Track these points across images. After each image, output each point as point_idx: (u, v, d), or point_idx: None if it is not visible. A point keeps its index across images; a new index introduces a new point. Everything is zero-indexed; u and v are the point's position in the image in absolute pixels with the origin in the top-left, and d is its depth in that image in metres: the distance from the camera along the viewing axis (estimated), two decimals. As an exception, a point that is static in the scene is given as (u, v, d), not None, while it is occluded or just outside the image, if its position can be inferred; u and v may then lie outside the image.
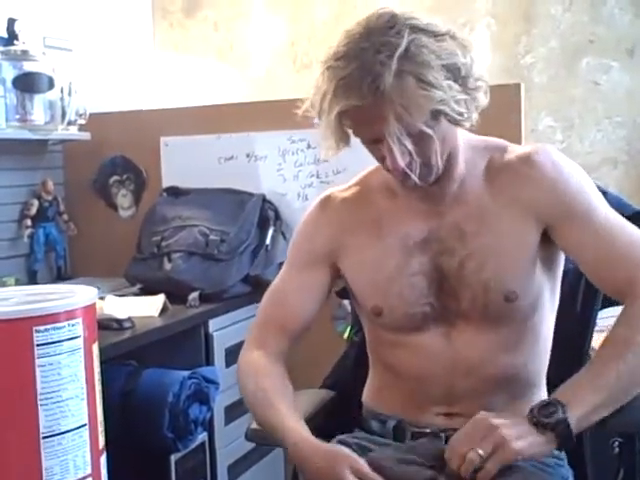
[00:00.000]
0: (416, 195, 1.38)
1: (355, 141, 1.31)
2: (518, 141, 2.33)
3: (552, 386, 1.41)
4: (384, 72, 1.16)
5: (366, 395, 1.55)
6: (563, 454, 1.43)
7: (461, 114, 1.24)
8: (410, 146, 1.22)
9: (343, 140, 1.29)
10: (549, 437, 1.19)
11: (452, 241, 1.37)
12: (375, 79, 1.17)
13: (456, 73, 1.22)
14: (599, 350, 1.28)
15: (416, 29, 1.20)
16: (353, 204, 1.47)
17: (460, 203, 1.37)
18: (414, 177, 1.28)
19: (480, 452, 1.16)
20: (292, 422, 1.32)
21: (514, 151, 1.39)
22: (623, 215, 1.37)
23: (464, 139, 1.37)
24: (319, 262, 1.47)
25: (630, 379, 1.23)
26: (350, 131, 1.28)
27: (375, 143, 1.27)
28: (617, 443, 1.43)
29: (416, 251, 1.38)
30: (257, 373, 1.42)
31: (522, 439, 1.17)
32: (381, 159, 1.29)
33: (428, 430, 1.41)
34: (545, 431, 1.18)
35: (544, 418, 1.19)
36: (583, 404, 1.20)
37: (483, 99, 1.28)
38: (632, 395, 1.24)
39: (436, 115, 1.22)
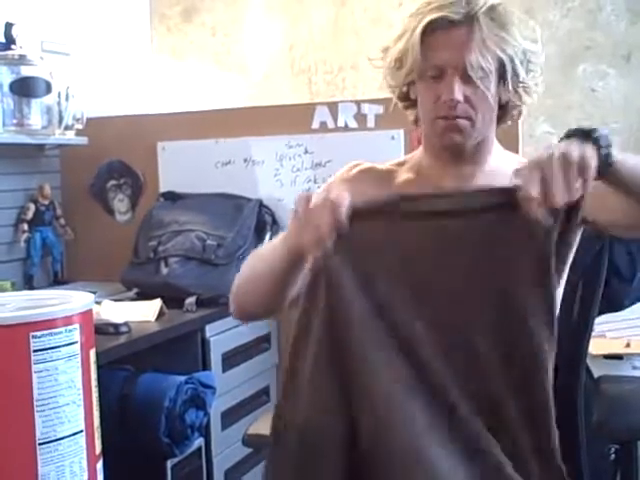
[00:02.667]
0: (443, 170, 1.41)
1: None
2: (516, 147, 2.33)
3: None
4: (478, 3, 1.32)
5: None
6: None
7: (519, 78, 1.35)
8: (474, 81, 1.31)
9: (417, 62, 1.33)
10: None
11: None
12: (469, 2, 1.32)
13: (527, 54, 1.35)
14: None
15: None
16: (377, 177, 1.48)
17: None
18: (461, 109, 1.33)
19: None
20: None
21: None
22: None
23: (496, 145, 1.45)
24: None
25: None
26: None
27: (438, 77, 1.33)
28: (613, 450, 1.43)
29: None
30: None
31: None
32: (435, 98, 1.34)
33: None
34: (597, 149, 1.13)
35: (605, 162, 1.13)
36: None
37: (531, 93, 1.40)
38: None
39: (500, 69, 1.33)
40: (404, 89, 1.42)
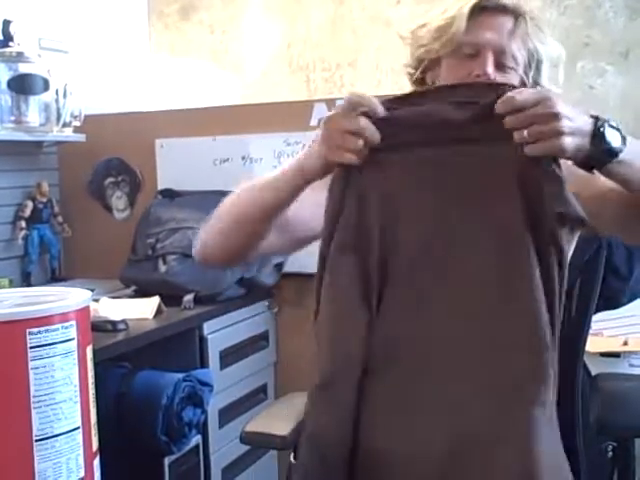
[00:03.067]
0: None
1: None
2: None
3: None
4: (522, 5, 1.37)
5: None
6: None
7: (539, 80, 1.38)
8: (504, 69, 1.34)
9: (458, 34, 1.34)
10: (591, 150, 1.12)
11: None
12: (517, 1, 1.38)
13: (554, 63, 1.40)
14: None
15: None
16: None
17: None
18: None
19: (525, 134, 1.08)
20: None
21: None
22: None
23: None
24: None
25: None
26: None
27: (472, 56, 1.35)
28: (611, 447, 1.43)
29: None
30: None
31: (575, 136, 1.09)
32: (465, 74, 1.35)
33: None
34: (598, 144, 1.12)
35: (609, 144, 1.13)
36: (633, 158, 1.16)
37: None
38: None
39: (528, 65, 1.37)
40: (420, 75, 1.43)
